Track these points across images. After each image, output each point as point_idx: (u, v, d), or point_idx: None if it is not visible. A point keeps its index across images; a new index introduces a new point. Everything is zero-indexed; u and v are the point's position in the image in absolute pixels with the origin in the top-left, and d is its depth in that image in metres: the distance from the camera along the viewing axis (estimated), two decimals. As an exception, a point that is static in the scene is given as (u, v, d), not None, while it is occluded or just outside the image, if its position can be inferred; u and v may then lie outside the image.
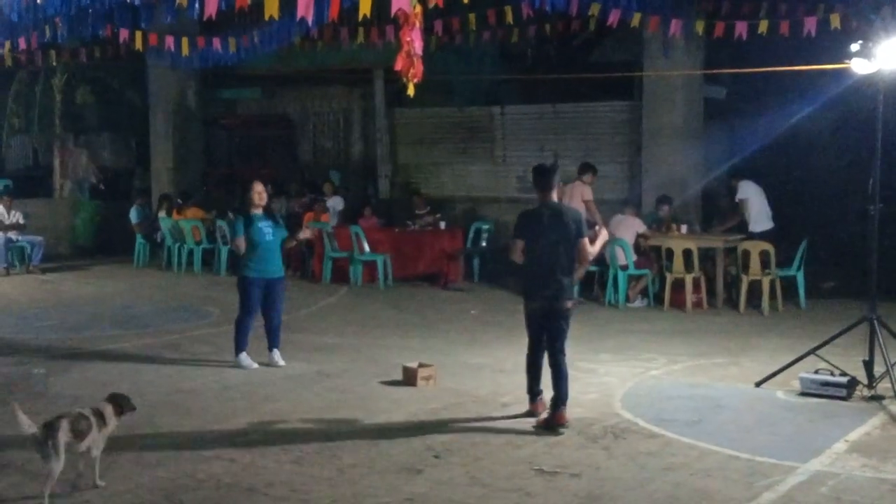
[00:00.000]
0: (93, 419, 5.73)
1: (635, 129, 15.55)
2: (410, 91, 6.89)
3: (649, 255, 12.88)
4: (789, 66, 11.45)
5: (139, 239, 17.11)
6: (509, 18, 12.94)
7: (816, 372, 7.93)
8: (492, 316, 12.01)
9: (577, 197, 12.58)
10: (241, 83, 20.18)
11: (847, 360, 8.08)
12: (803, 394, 7.88)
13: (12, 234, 16.20)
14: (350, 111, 20.33)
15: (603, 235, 7.81)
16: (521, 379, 8.33)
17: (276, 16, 8.12)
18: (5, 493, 5.75)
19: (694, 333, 10.79)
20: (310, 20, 7.61)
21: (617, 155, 16.16)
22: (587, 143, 16.38)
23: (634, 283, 12.73)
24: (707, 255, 12.67)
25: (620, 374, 8.76)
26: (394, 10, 6.46)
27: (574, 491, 5.77)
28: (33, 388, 8.22)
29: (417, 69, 6.76)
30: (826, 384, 7.80)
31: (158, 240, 17.02)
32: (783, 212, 13.45)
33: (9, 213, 16.28)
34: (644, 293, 12.75)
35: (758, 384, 8.23)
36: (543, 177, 7.38)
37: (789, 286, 12.32)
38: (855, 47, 7.82)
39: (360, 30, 13.94)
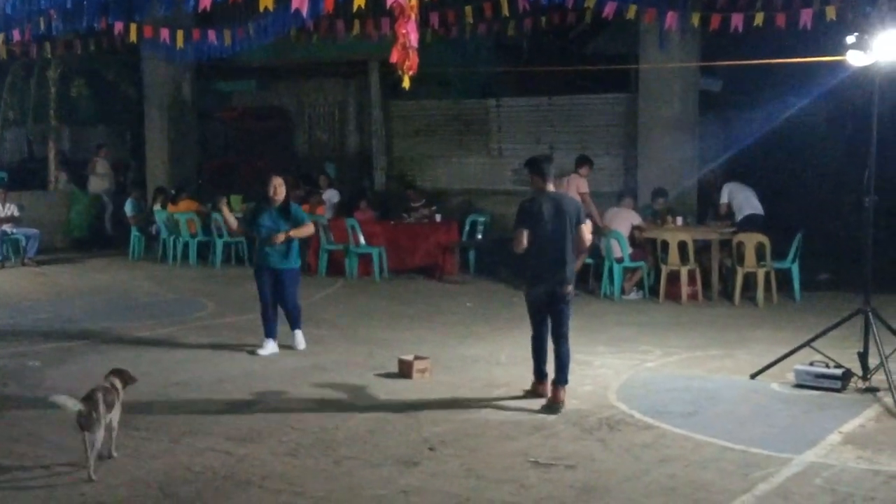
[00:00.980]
0: (117, 391, 6.16)
1: (631, 121, 15.56)
2: (406, 83, 6.89)
3: (645, 247, 12.88)
4: (785, 58, 11.45)
5: (134, 232, 17.08)
6: (505, 11, 12.91)
7: (811, 364, 7.94)
8: (487, 308, 12.02)
9: (572, 190, 12.60)
10: (236, 75, 20.16)
11: (842, 352, 8.08)
12: (798, 386, 7.89)
13: (7, 227, 16.15)
14: (345, 103, 20.31)
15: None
16: (517, 371, 8.39)
17: (271, 7, 8.13)
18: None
19: (689, 326, 10.80)
20: (305, 12, 7.62)
21: (612, 147, 16.17)
22: (583, 136, 16.39)
23: (630, 275, 12.73)
24: (702, 248, 12.69)
25: (616, 367, 8.76)
26: (389, 1, 6.45)
27: (569, 483, 5.78)
28: (27, 381, 8.23)
29: (413, 61, 6.75)
30: (821, 376, 7.82)
31: (154, 232, 16.99)
32: (778, 204, 13.48)
33: (3, 205, 16.24)
34: (639, 285, 12.76)
35: (753, 376, 8.24)
36: (542, 166, 7.65)
37: (784, 278, 12.33)
38: (851, 39, 7.80)
39: (356, 22, 13.91)
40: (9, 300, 12.83)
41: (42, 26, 11.58)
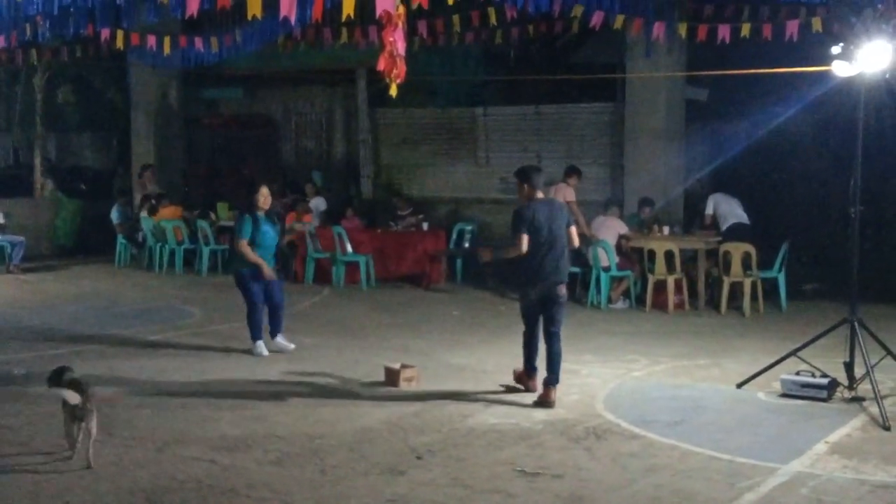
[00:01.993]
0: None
1: (618, 130, 15.59)
2: (393, 92, 6.88)
3: (631, 256, 12.91)
4: (771, 68, 11.49)
5: (120, 239, 17.02)
6: (493, 20, 12.95)
7: (797, 373, 7.96)
8: (474, 317, 12.01)
9: (559, 198, 12.59)
10: (222, 83, 20.09)
11: (828, 361, 8.11)
12: (784, 395, 7.91)
13: (-8, 234, 16.10)
14: (332, 111, 20.28)
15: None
16: (504, 379, 8.39)
17: (259, 15, 8.11)
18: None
19: (676, 335, 10.82)
20: (292, 20, 7.60)
21: (599, 156, 16.19)
22: (570, 145, 16.42)
23: (616, 284, 12.76)
24: (689, 257, 12.72)
25: (602, 376, 8.77)
26: (378, 11, 6.45)
27: (556, 492, 5.77)
28: (13, 388, 8.17)
29: (400, 70, 6.75)
30: (807, 385, 7.84)
31: (140, 240, 16.93)
32: (765, 214, 13.51)
33: (-11, 212, 16.19)
34: (626, 295, 12.78)
35: (739, 385, 8.25)
36: (531, 176, 8.00)
37: (770, 288, 12.38)
38: (836, 50, 7.85)
39: (343, 30, 13.91)
40: (-7, 307, 12.76)
41: (28, 33, 11.54)
